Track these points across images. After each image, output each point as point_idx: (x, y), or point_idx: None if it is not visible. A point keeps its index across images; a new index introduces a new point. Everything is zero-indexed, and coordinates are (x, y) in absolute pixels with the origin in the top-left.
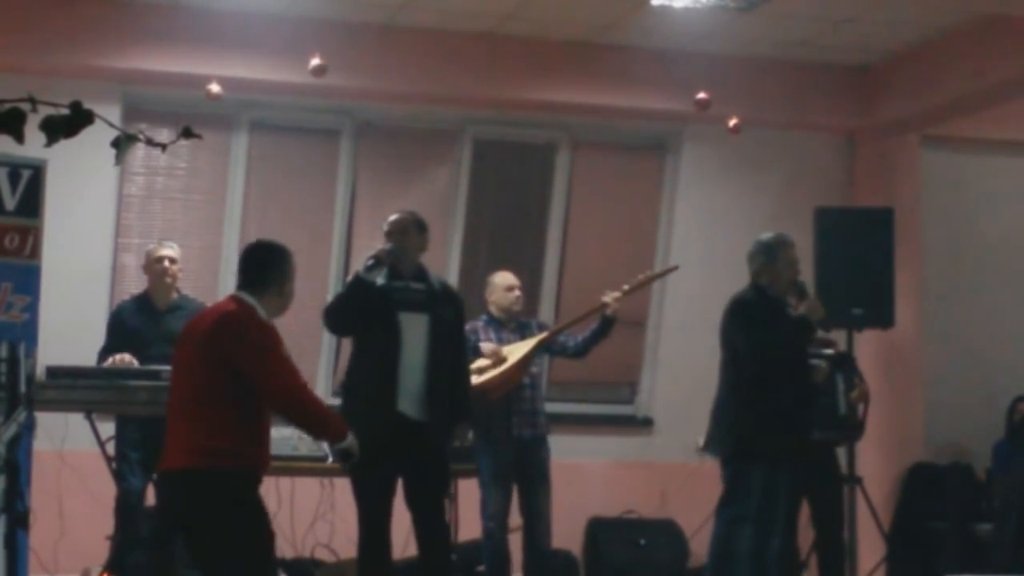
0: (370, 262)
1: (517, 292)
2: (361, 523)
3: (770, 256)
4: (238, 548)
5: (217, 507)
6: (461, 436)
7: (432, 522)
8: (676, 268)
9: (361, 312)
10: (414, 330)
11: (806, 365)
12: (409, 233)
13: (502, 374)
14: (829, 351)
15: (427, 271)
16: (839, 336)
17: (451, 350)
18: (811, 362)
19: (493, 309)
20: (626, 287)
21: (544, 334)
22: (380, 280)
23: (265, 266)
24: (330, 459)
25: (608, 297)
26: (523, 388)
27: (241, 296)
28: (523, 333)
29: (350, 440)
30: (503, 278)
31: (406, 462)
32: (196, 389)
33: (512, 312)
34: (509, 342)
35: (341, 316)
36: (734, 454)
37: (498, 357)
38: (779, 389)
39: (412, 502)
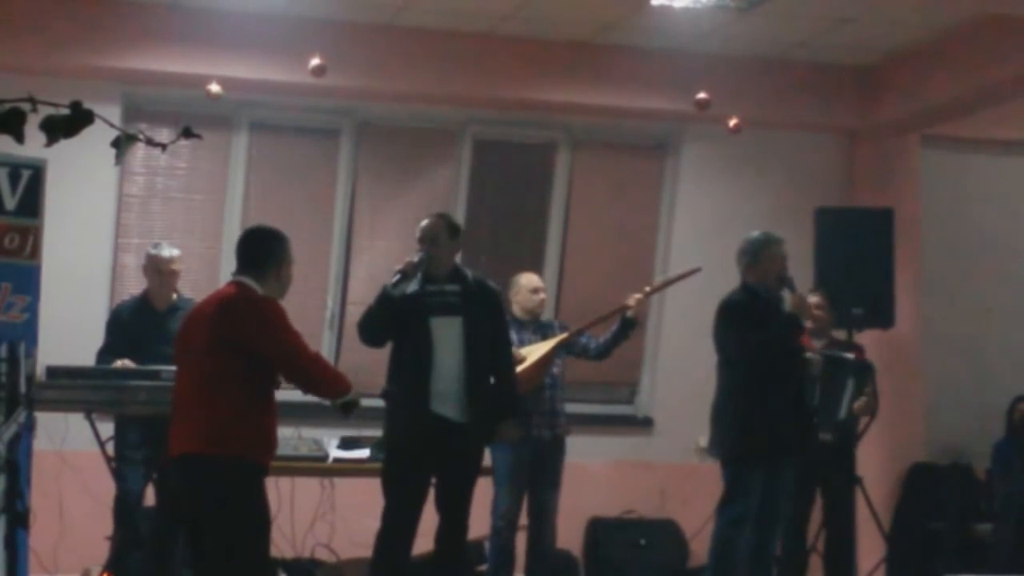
0: (396, 277)
1: (542, 295)
2: (385, 519)
3: (755, 254)
4: (239, 538)
5: (223, 494)
6: (510, 434)
7: (455, 523)
8: (699, 270)
9: (391, 323)
10: (447, 334)
11: (800, 362)
12: (439, 241)
13: (520, 374)
14: (850, 355)
15: (463, 271)
16: (839, 336)
17: (490, 349)
18: (806, 356)
19: (516, 309)
20: (648, 288)
21: (564, 335)
22: (413, 286)
23: (263, 250)
24: (334, 448)
25: (630, 299)
26: (543, 389)
27: (241, 280)
28: (544, 334)
29: (353, 392)
30: (528, 280)
31: (442, 463)
32: (206, 376)
33: (536, 314)
34: (530, 343)
35: (372, 330)
36: (731, 455)
37: (517, 358)
38: (772, 388)
39: (440, 502)
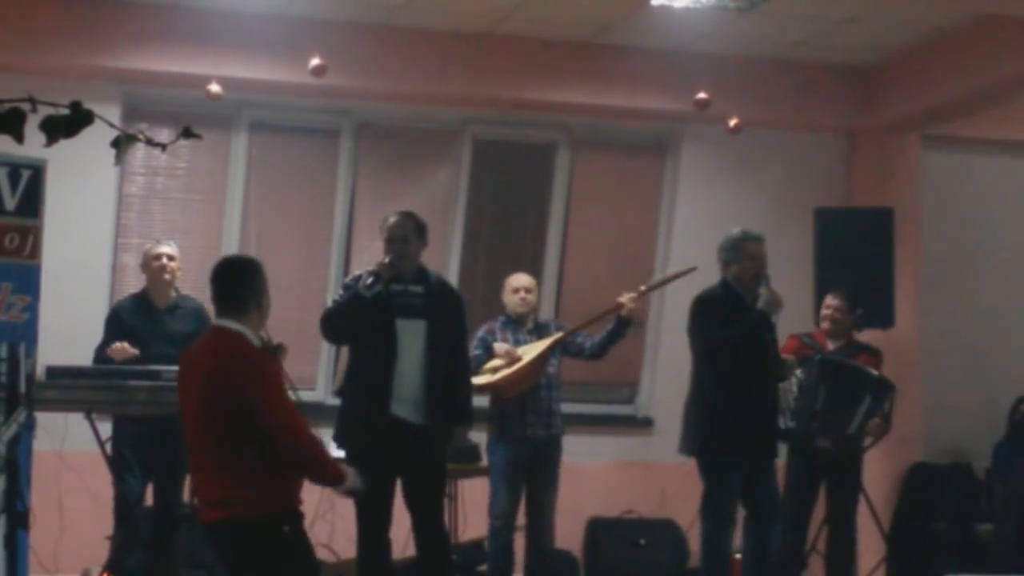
0: (369, 280)
1: (523, 294)
2: (359, 524)
3: (733, 251)
4: None
5: (265, 554)
6: (459, 438)
7: (431, 523)
8: (695, 269)
9: (358, 323)
10: (411, 337)
11: (768, 361)
12: (409, 240)
13: (514, 373)
14: (874, 372)
15: (427, 271)
16: (859, 339)
17: (450, 352)
18: (783, 358)
19: (507, 310)
20: (643, 288)
21: (559, 334)
22: (378, 287)
23: (240, 286)
24: (334, 448)
25: (624, 298)
26: (539, 388)
27: (226, 325)
28: (541, 334)
29: (351, 479)
30: (512, 280)
31: (404, 464)
32: (213, 436)
33: (519, 313)
34: (526, 343)
35: (338, 327)
36: (701, 452)
37: (511, 357)
38: (740, 386)
39: (410, 503)
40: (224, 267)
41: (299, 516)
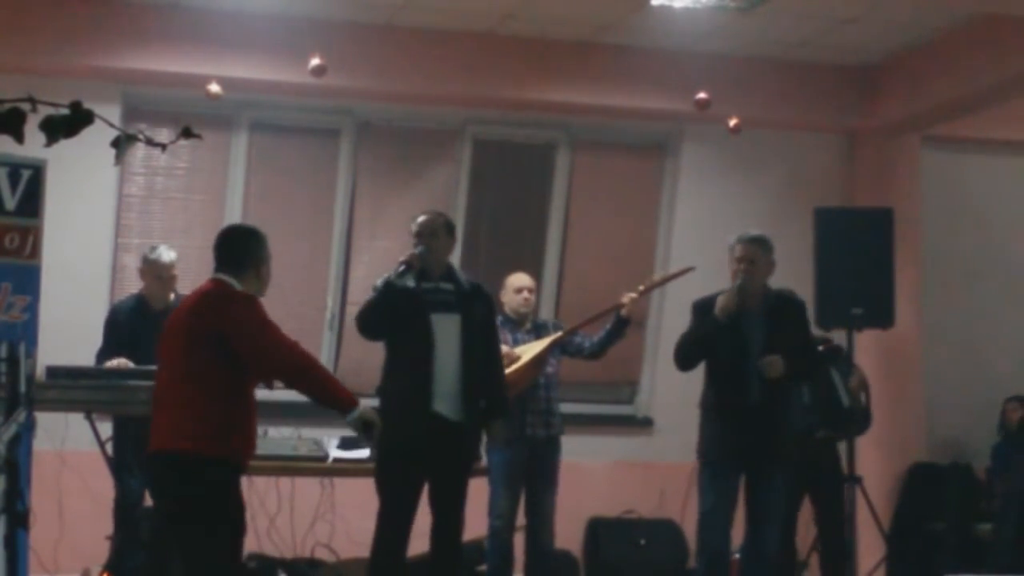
0: (401, 268)
1: (525, 294)
2: (381, 520)
3: (729, 252)
4: (205, 535)
5: (196, 492)
6: (499, 434)
7: (450, 523)
8: (693, 269)
9: (393, 316)
10: (447, 331)
11: (739, 366)
12: (439, 235)
13: (514, 373)
14: (819, 347)
15: (456, 271)
16: (839, 336)
17: (484, 349)
18: (764, 360)
19: (507, 310)
20: (641, 287)
21: (558, 334)
22: (410, 283)
23: (240, 249)
24: (334, 448)
25: (624, 297)
26: (538, 388)
27: (220, 277)
28: (539, 334)
29: (363, 408)
30: (514, 279)
31: (439, 462)
32: (183, 372)
33: (521, 313)
34: (524, 343)
35: (373, 321)
36: (698, 453)
37: (510, 358)
38: (715, 388)
39: (435, 501)
40: (230, 230)
41: (240, 471)
